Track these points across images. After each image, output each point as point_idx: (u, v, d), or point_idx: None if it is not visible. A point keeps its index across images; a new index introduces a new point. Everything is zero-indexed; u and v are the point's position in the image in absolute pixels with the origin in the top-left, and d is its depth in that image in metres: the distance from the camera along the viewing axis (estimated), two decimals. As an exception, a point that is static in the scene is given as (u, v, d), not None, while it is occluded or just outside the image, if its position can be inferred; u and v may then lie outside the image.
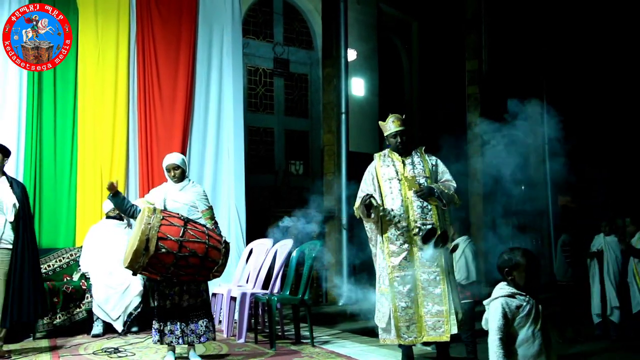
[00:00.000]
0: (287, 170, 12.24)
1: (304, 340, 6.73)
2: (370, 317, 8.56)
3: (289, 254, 7.03)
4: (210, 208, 5.95)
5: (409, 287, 5.28)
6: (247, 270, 7.60)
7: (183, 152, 8.20)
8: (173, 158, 5.94)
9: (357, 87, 12.58)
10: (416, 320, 5.27)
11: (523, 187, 13.92)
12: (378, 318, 5.47)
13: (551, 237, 12.58)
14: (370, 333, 7.84)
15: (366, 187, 5.54)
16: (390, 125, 5.53)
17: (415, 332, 5.27)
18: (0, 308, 5.87)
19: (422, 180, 5.37)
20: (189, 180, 6.02)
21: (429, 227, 5.27)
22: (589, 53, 13.17)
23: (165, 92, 8.40)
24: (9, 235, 5.93)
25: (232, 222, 8.45)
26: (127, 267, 5.27)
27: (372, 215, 5.30)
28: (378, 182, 5.48)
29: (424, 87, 14.01)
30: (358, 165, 10.35)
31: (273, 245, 7.37)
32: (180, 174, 5.88)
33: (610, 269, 8.54)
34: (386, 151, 5.64)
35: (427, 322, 5.25)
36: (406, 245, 5.32)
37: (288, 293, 6.96)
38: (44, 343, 6.64)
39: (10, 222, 5.92)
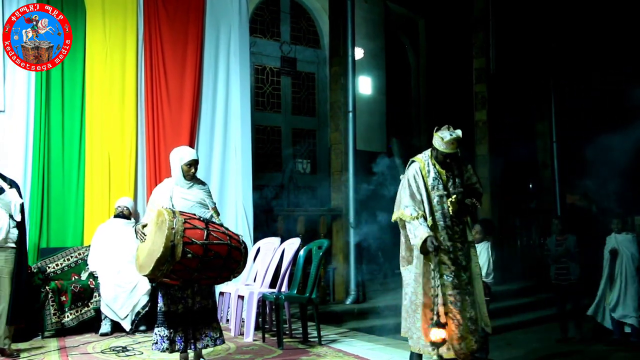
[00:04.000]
0: (294, 168, 12.23)
1: (312, 339, 6.73)
2: (378, 315, 8.65)
3: (297, 252, 7.03)
4: (215, 205, 5.74)
5: (458, 297, 5.31)
6: (254, 269, 7.61)
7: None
8: (193, 152, 5.62)
9: (365, 85, 12.56)
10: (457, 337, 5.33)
11: (531, 186, 13.93)
12: (412, 333, 5.36)
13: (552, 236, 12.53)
14: (378, 331, 7.85)
15: (414, 196, 5.31)
16: (448, 145, 5.22)
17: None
18: (7, 306, 5.91)
19: (459, 195, 5.38)
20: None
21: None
22: (598, 50, 13.13)
23: (172, 91, 8.41)
24: (14, 234, 5.97)
25: (239, 220, 8.45)
26: (146, 276, 5.01)
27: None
28: (427, 193, 5.32)
29: (431, 85, 13.97)
30: (365, 163, 10.37)
31: (280, 244, 7.37)
32: (196, 169, 5.61)
33: (626, 268, 8.37)
34: (428, 159, 5.41)
35: (454, 330, 5.31)
36: (454, 265, 5.34)
37: (295, 292, 6.97)
38: (53, 342, 6.68)
39: (17, 221, 5.97)
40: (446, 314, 5.25)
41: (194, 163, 5.53)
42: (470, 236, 5.60)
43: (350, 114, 9.45)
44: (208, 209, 5.60)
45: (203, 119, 8.59)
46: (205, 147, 8.51)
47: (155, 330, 5.29)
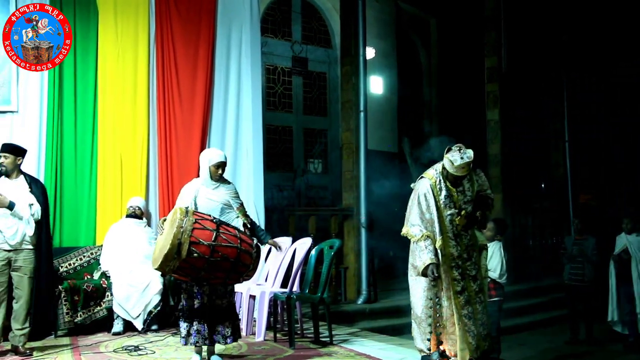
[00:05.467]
0: (305, 168, 12.25)
1: (323, 339, 6.73)
2: (390, 315, 8.64)
3: (308, 252, 7.02)
4: (242, 204, 5.87)
5: (469, 308, 5.33)
6: (266, 268, 7.61)
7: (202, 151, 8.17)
8: (220, 154, 5.77)
9: (376, 85, 12.56)
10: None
11: (543, 185, 13.87)
12: (422, 340, 5.37)
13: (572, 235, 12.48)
14: (390, 331, 7.84)
15: (423, 216, 5.26)
16: (458, 169, 5.15)
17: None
18: (27, 306, 5.97)
19: (469, 208, 5.35)
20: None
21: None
22: (610, 48, 13.06)
23: (184, 91, 8.42)
24: (30, 238, 6.01)
25: (251, 220, 8.46)
26: (156, 269, 5.23)
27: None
28: (439, 212, 5.27)
29: (442, 84, 13.95)
30: (377, 163, 10.36)
31: (292, 244, 7.37)
32: (224, 171, 5.77)
33: (638, 270, 8.25)
34: (439, 175, 5.32)
35: (470, 342, 5.33)
36: (464, 279, 5.36)
37: (307, 291, 6.97)
38: (65, 341, 6.70)
39: (30, 236, 6.00)
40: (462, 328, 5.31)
41: (221, 165, 5.71)
42: (481, 237, 5.58)
43: (362, 114, 9.44)
44: (233, 209, 5.74)
45: (214, 119, 8.60)
46: (217, 146, 8.47)
47: (179, 324, 5.55)
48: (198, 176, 5.91)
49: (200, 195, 5.69)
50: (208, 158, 5.72)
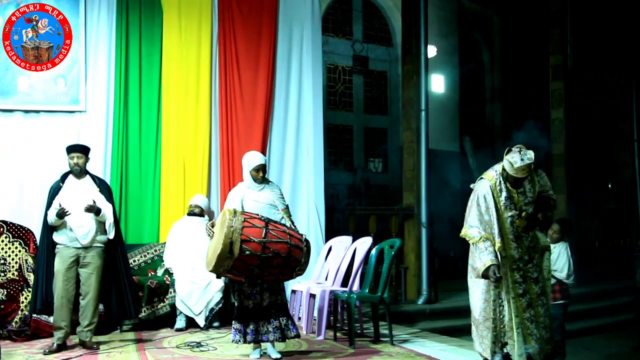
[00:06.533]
0: (366, 167, 12.22)
1: (383, 339, 6.70)
2: (451, 316, 8.55)
3: (368, 251, 7.01)
4: (287, 207, 5.97)
5: (531, 311, 5.23)
6: (326, 267, 7.62)
7: (263, 151, 8.19)
8: (260, 157, 5.90)
9: (437, 83, 12.44)
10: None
11: (610, 185, 13.51)
12: (485, 345, 5.27)
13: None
14: (450, 332, 7.75)
15: (482, 217, 5.13)
16: (518, 171, 5.00)
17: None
18: (94, 302, 6.11)
19: (530, 210, 5.22)
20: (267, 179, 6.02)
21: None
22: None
23: (245, 90, 8.49)
24: (102, 237, 6.17)
25: (311, 219, 8.48)
26: (211, 271, 5.34)
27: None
28: (499, 214, 5.13)
29: (505, 83, 13.72)
30: (438, 162, 10.26)
31: (352, 243, 7.36)
32: (265, 173, 5.88)
33: None
34: (499, 176, 5.19)
35: (533, 345, 5.22)
36: (525, 282, 5.25)
37: (367, 291, 6.95)
38: (130, 336, 6.86)
39: (109, 238, 6.24)
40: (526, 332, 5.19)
41: (261, 168, 5.82)
42: (543, 238, 5.44)
43: (423, 113, 9.34)
44: (278, 210, 5.84)
45: (276, 118, 8.65)
46: (278, 145, 8.57)
47: (233, 323, 5.64)
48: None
49: (247, 198, 5.81)
50: (247, 162, 5.85)
